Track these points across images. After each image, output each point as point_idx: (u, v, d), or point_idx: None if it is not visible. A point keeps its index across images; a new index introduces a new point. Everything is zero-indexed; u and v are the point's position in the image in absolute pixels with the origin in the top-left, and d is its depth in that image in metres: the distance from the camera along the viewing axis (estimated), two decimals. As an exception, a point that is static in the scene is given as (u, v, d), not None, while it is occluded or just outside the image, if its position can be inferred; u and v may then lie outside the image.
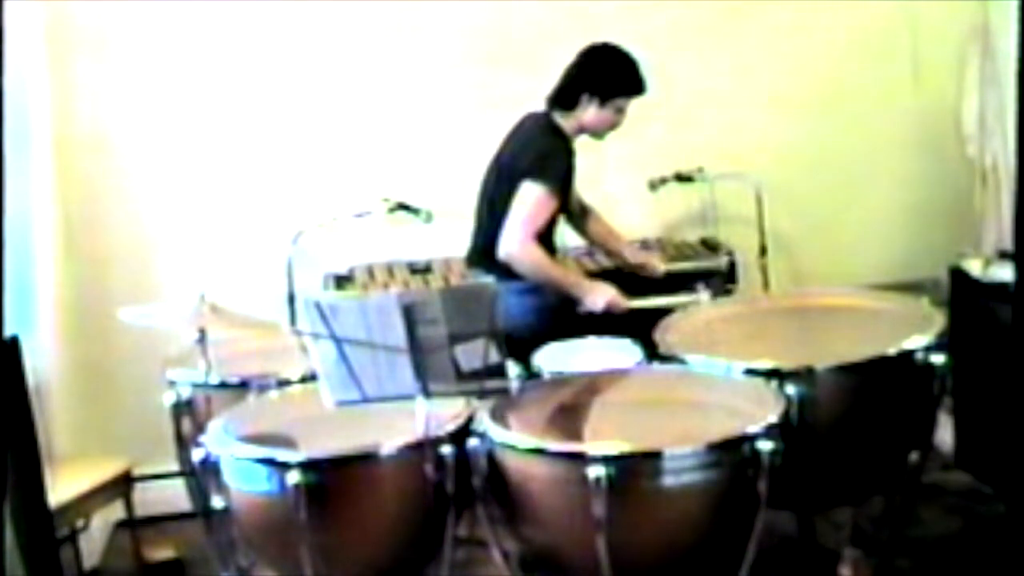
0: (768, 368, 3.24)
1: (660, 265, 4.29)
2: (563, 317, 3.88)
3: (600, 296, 3.87)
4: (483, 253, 3.97)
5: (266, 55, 4.74)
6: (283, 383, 3.59)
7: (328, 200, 4.58)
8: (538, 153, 3.88)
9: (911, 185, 5.08)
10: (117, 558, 4.45)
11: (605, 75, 3.93)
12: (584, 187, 4.21)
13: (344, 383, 3.04)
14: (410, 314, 2.93)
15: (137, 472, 4.21)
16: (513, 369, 3.29)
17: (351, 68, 4.79)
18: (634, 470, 2.87)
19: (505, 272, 3.82)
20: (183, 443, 3.70)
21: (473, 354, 2.96)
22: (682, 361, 3.43)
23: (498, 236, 3.84)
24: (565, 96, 3.96)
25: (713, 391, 3.29)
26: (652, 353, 3.52)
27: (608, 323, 3.85)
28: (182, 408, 3.70)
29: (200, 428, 3.42)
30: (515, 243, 3.81)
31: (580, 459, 2.87)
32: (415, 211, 4.18)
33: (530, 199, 3.82)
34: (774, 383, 3.18)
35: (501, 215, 3.86)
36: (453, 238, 4.50)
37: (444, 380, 2.99)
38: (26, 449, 3.42)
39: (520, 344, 3.56)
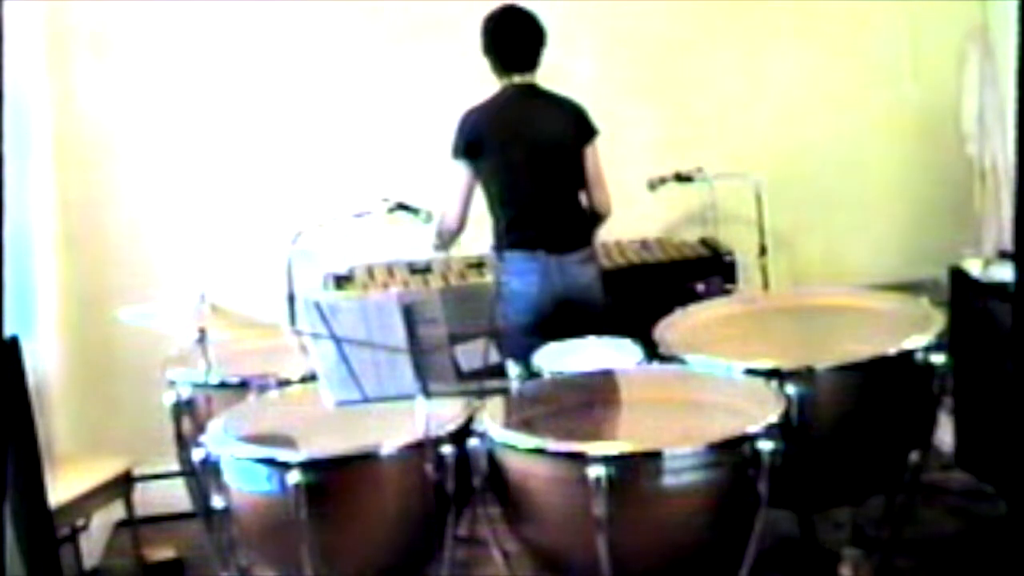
0: (768, 368, 3.24)
1: None
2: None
3: None
4: (564, 232, 4.05)
5: (266, 56, 4.74)
6: (283, 383, 3.59)
7: (328, 200, 4.58)
8: (582, 116, 4.07)
9: (911, 185, 5.08)
10: (117, 558, 4.45)
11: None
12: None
13: (344, 383, 3.04)
14: (410, 314, 2.92)
15: (137, 472, 4.21)
16: (513, 369, 3.29)
17: (351, 68, 4.79)
18: (634, 470, 2.87)
19: (578, 243, 4.05)
20: (183, 443, 3.69)
21: (473, 354, 2.96)
22: (682, 361, 3.43)
23: (571, 211, 4.08)
24: (538, 59, 4.10)
25: (713, 391, 3.29)
26: (652, 353, 3.52)
27: (609, 322, 3.88)
28: (182, 408, 3.70)
29: (200, 428, 3.42)
30: (609, 198, 4.12)
31: (580, 459, 2.87)
32: (415, 211, 4.17)
33: (598, 156, 4.10)
34: (774, 383, 3.18)
35: (572, 190, 4.07)
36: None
37: (444, 380, 2.99)
38: (26, 449, 3.42)
39: (594, 317, 3.91)
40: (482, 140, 4.02)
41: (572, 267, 4.03)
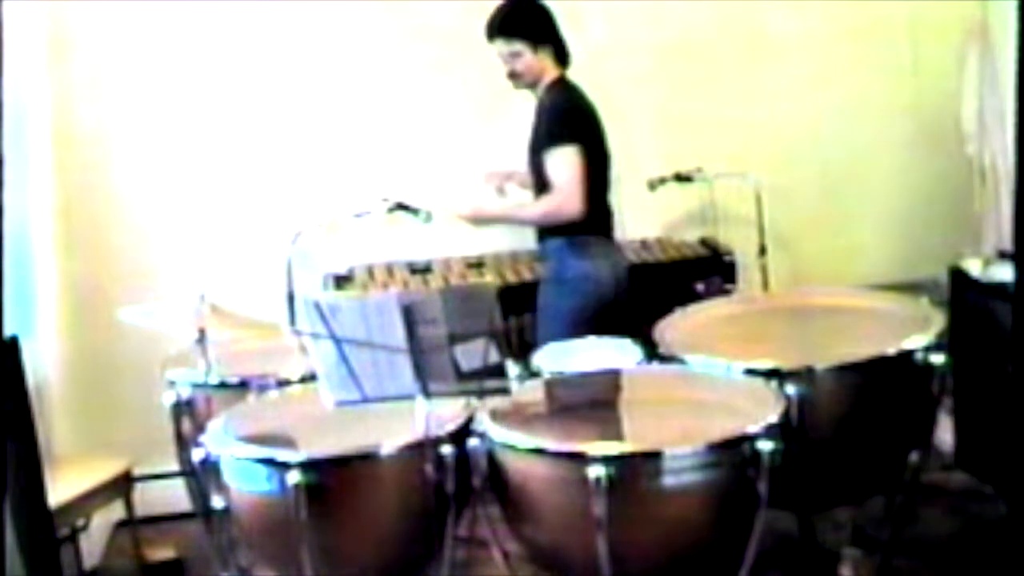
0: (768, 368, 3.24)
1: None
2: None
3: None
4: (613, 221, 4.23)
5: (265, 56, 4.74)
6: (283, 383, 3.59)
7: (328, 200, 4.58)
8: None
9: (911, 185, 5.08)
10: (117, 558, 4.45)
11: None
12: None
13: (344, 383, 3.04)
14: (410, 314, 2.92)
15: (137, 472, 4.21)
16: (513, 369, 3.29)
17: (351, 68, 4.79)
18: (634, 470, 2.87)
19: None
20: (183, 443, 3.69)
21: (473, 354, 2.96)
22: (682, 361, 3.43)
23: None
24: None
25: (713, 391, 3.29)
26: (652, 353, 3.52)
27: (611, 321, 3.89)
28: (182, 408, 3.70)
29: (200, 428, 3.42)
30: None
31: (580, 459, 2.87)
32: (415, 211, 4.17)
33: None
34: (774, 383, 3.18)
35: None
36: (453, 238, 4.51)
37: (444, 380, 2.99)
38: (26, 449, 3.42)
39: (619, 310, 4.01)
40: (590, 127, 4.07)
41: (620, 254, 4.21)
